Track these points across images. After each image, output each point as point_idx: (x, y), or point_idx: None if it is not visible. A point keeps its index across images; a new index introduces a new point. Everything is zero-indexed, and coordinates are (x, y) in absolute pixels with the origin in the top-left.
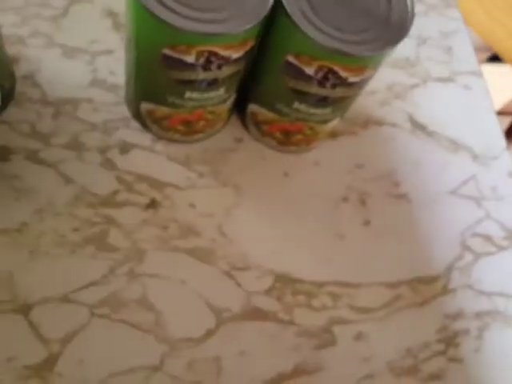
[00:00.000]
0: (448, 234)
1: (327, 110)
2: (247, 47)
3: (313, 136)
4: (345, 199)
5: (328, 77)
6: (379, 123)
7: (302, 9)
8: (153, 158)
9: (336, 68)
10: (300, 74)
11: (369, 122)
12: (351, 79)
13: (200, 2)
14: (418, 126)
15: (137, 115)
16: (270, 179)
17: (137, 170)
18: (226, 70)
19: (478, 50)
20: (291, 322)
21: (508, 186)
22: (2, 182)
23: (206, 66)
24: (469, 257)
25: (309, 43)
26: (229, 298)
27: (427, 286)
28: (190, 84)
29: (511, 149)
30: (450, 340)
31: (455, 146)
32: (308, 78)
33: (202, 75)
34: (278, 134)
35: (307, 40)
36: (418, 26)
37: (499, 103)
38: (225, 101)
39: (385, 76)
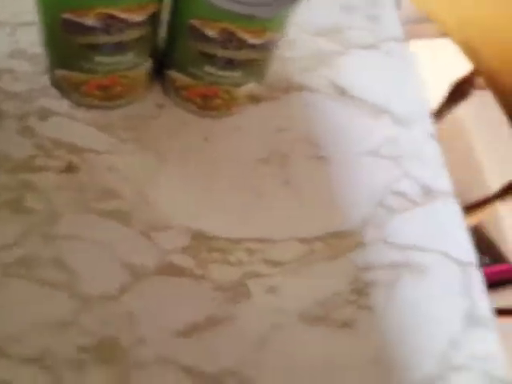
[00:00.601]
0: (366, 192)
1: (237, 73)
2: (149, 11)
3: (231, 100)
4: (265, 161)
5: (230, 39)
6: (301, 88)
7: None
8: (72, 125)
9: (236, 30)
10: (204, 37)
11: (290, 88)
12: (252, 41)
13: None
14: (339, 92)
15: (55, 82)
16: (191, 144)
17: (56, 136)
18: (131, 34)
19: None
20: (206, 278)
21: (427, 147)
22: None
23: (107, 30)
24: (384, 213)
25: (207, 6)
26: (145, 256)
27: (341, 241)
28: (97, 48)
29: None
30: (361, 290)
31: (377, 109)
32: (212, 41)
33: (105, 39)
34: (197, 99)
35: (205, 3)
36: None
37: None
38: (137, 65)
39: (308, 43)
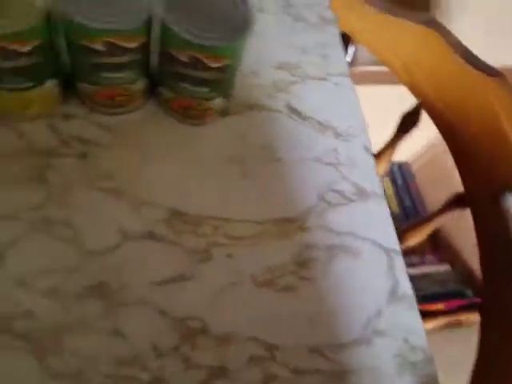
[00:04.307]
0: (310, 188)
1: (206, 89)
2: (140, 41)
3: (204, 111)
4: (230, 160)
5: (197, 63)
6: (262, 108)
7: (177, 16)
8: (86, 124)
9: (200, 56)
10: (179, 62)
11: (254, 107)
12: (213, 65)
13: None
14: (293, 111)
15: (76, 92)
16: (173, 144)
17: (73, 132)
18: (127, 57)
19: None
20: (179, 244)
21: (362, 157)
22: None
23: (110, 53)
24: (324, 205)
25: (179, 39)
26: (133, 224)
27: (288, 225)
28: (103, 66)
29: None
30: (302, 263)
31: (323, 126)
32: (184, 64)
33: (108, 59)
34: (179, 109)
35: (177, 37)
36: (301, 40)
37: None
38: (134, 82)
39: (270, 74)
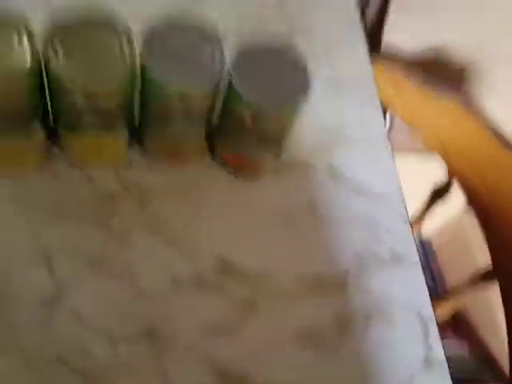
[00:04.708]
0: (349, 250)
1: (262, 147)
2: (209, 101)
3: (256, 168)
4: (276, 216)
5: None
6: (307, 165)
7: (243, 79)
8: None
9: (259, 117)
10: (240, 120)
11: (299, 164)
12: (271, 125)
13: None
14: (334, 172)
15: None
16: (227, 196)
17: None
18: (195, 115)
19: None
20: (226, 292)
21: (398, 223)
22: None
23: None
24: (362, 268)
25: (244, 100)
26: (183, 270)
27: (328, 285)
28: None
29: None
30: (340, 324)
31: (362, 189)
32: (244, 123)
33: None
34: (233, 164)
35: (239, 98)
36: (344, 105)
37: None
38: (196, 136)
39: (315, 135)
